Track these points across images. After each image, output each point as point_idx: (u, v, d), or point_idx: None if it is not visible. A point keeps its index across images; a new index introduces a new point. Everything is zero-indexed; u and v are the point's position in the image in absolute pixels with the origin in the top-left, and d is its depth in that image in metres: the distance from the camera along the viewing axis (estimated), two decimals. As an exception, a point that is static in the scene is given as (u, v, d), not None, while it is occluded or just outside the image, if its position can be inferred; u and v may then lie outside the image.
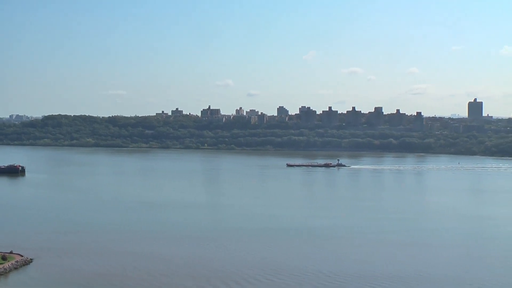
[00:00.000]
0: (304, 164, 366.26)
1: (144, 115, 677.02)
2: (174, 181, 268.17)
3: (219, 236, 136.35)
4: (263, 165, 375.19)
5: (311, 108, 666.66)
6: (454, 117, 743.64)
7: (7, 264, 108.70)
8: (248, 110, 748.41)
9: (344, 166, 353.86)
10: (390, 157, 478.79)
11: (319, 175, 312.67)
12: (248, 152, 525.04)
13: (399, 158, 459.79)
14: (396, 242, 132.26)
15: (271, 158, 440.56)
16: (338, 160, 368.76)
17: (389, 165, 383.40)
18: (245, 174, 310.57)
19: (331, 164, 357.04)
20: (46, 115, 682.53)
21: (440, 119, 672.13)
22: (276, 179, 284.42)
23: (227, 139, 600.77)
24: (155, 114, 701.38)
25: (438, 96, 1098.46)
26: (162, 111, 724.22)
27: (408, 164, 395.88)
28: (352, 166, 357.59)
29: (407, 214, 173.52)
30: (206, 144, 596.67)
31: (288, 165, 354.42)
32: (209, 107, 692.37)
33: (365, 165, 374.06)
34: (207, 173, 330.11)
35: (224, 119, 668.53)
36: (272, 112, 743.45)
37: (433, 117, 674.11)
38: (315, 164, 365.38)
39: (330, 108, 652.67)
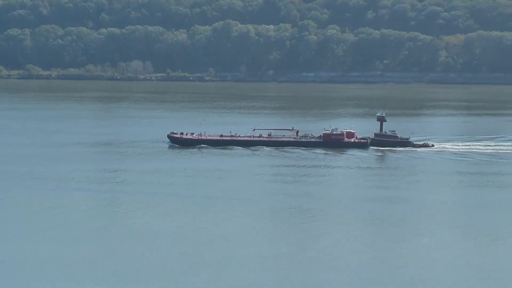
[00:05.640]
0: (227, 136, 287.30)
1: None
2: None
3: None
4: (117, 141, 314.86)
5: None
6: None
7: None
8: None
9: (406, 141, 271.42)
10: None
11: (301, 180, 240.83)
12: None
13: None
14: None
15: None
16: (382, 114, 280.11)
17: None
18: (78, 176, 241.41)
19: (350, 133, 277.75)
20: None
21: None
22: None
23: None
24: None
25: None
26: None
27: None
28: (438, 145, 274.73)
29: None
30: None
31: (173, 139, 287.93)
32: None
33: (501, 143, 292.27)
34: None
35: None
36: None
37: None
38: (284, 135, 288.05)
39: None
